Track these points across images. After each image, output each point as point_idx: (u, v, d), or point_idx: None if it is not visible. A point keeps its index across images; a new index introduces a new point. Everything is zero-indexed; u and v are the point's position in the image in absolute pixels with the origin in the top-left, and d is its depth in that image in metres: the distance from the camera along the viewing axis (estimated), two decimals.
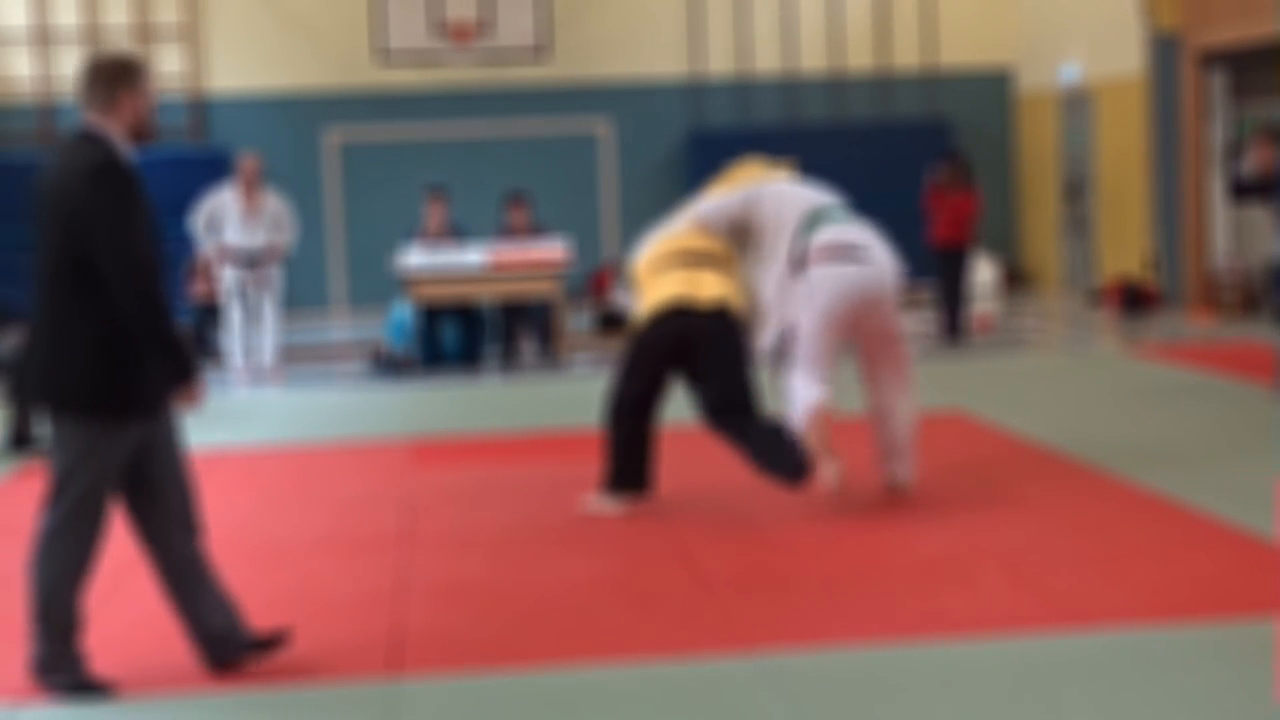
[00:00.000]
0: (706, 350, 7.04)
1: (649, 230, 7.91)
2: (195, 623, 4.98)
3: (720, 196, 7.55)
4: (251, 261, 12.64)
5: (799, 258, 7.07)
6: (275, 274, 12.97)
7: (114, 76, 4.74)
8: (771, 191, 7.44)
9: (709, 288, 7.14)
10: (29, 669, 4.91)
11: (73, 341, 4.68)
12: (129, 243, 4.64)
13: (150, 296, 4.64)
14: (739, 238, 7.47)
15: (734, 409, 7.00)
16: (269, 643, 5.08)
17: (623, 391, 7.14)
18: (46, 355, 4.73)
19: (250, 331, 12.92)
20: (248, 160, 12.74)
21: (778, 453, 6.86)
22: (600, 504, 7.18)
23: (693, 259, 7.30)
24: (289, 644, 5.15)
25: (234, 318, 12.83)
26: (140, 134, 4.81)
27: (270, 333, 12.92)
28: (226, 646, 4.99)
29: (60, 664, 4.86)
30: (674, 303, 7.09)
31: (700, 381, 7.09)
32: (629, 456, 7.12)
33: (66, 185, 4.68)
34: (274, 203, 12.93)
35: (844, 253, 7.02)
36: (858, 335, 7.16)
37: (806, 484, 6.94)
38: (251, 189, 12.70)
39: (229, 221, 12.67)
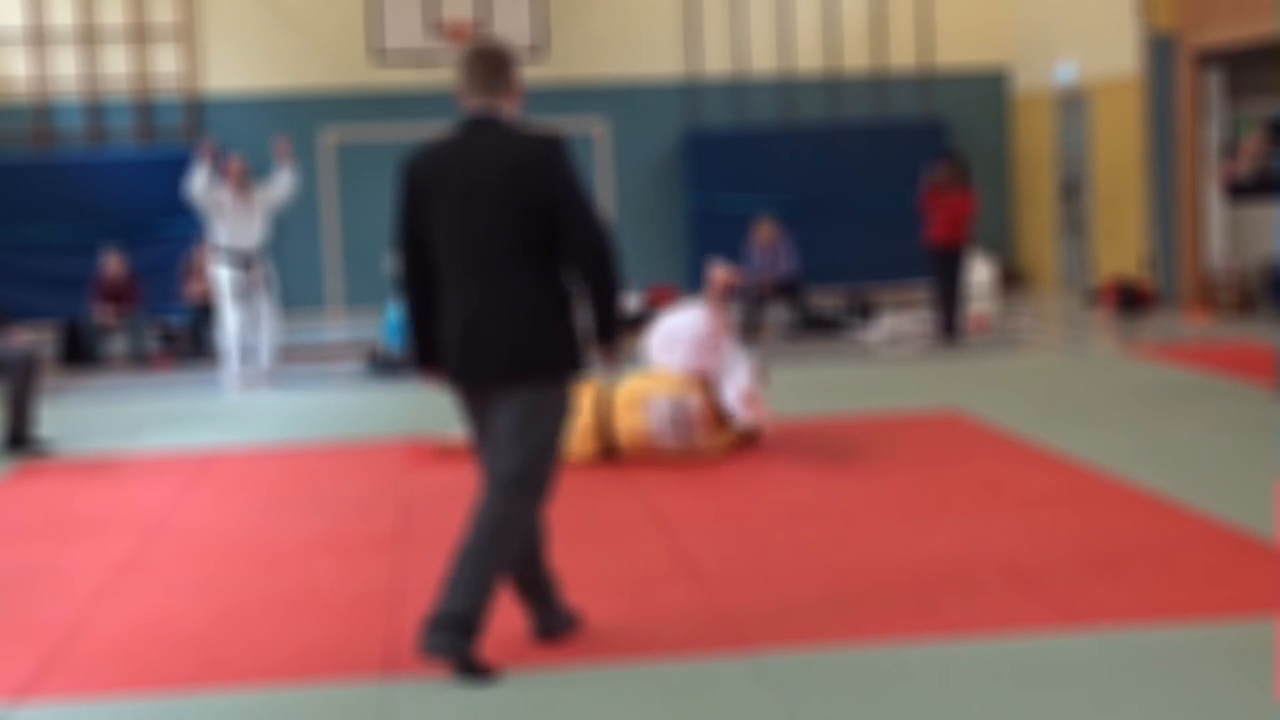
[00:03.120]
0: None
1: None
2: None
3: None
4: (247, 262, 12.55)
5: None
6: (269, 272, 12.85)
7: (506, 62, 4.94)
8: None
9: None
10: (436, 623, 4.78)
11: (543, 311, 4.82)
12: (593, 207, 4.80)
13: (613, 257, 4.81)
14: None
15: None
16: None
17: None
18: (514, 330, 4.82)
19: (248, 335, 12.73)
20: (235, 163, 12.64)
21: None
22: None
23: None
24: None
25: (231, 320, 12.59)
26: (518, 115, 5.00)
27: (269, 333, 12.78)
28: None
29: (475, 629, 4.80)
30: None
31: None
32: None
33: (516, 165, 4.78)
34: (260, 194, 12.80)
35: None
36: None
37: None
38: (241, 189, 12.59)
39: (222, 222, 12.52)
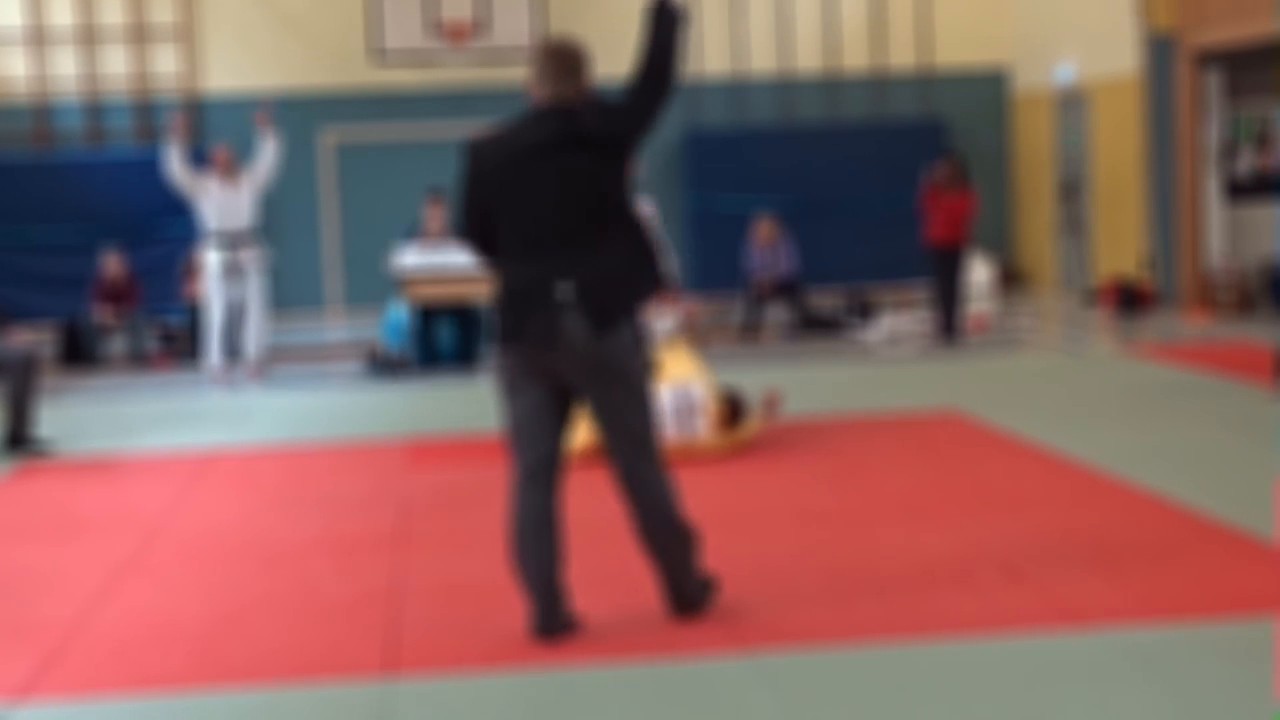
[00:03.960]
0: None
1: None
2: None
3: None
4: (237, 244, 12.52)
5: None
6: (258, 255, 12.74)
7: (581, 61, 5.23)
8: None
9: None
10: (689, 607, 5.35)
11: (615, 261, 5.14)
12: (631, 101, 5.25)
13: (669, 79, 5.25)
14: None
15: None
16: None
17: None
18: (597, 281, 5.09)
19: (233, 327, 12.68)
20: (221, 153, 12.66)
21: None
22: None
23: None
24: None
25: (215, 305, 12.55)
26: None
27: (255, 325, 12.68)
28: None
29: (702, 577, 5.44)
30: None
31: None
32: None
33: (587, 137, 5.14)
34: (247, 175, 12.73)
35: None
36: None
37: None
38: (228, 174, 12.58)
39: (210, 205, 12.52)
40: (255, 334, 12.70)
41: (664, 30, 5.19)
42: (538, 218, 5.10)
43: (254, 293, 12.65)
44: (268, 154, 12.71)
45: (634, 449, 5.18)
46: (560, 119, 5.13)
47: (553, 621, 5.21)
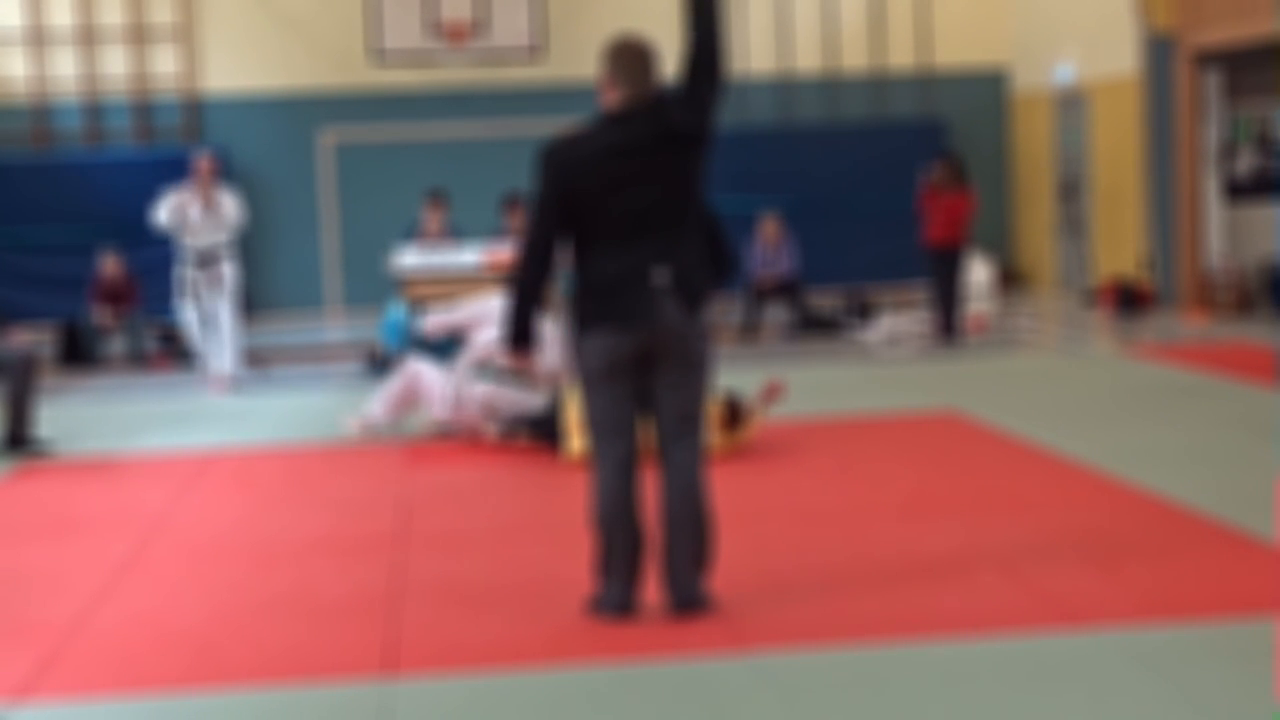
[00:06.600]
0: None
1: None
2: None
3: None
4: (204, 261, 12.35)
5: None
6: (229, 272, 12.55)
7: (655, 57, 5.39)
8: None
9: None
10: (692, 604, 5.40)
11: (696, 248, 5.40)
12: (693, 94, 5.40)
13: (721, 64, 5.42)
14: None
15: None
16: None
17: None
18: (688, 267, 5.35)
19: (208, 337, 12.47)
20: (203, 161, 12.36)
21: None
22: None
23: None
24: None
25: (191, 320, 12.40)
26: None
27: (229, 338, 12.45)
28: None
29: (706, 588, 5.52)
30: None
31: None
32: None
33: (677, 133, 5.32)
34: (227, 200, 12.50)
35: None
36: None
37: None
38: (207, 189, 12.34)
39: (190, 226, 12.33)
40: (229, 348, 12.44)
41: (706, 15, 5.34)
42: (635, 210, 5.30)
43: (225, 308, 12.40)
44: (231, 207, 12.44)
45: (685, 425, 5.37)
46: (652, 117, 5.32)
47: (631, 602, 5.40)
